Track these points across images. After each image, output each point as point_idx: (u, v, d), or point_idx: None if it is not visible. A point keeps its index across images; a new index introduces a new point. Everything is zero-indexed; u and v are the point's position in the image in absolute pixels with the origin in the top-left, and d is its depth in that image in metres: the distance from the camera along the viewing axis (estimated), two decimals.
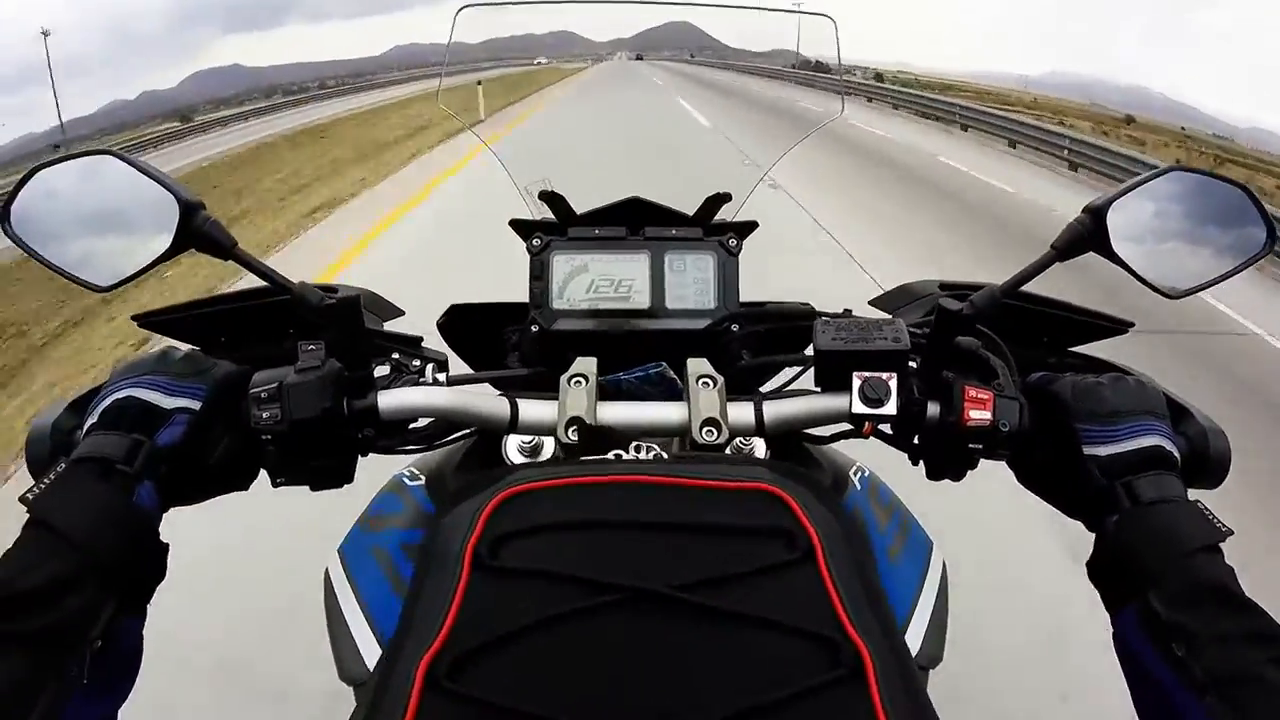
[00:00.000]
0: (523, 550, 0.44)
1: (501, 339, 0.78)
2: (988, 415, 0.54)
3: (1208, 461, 0.56)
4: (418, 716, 0.36)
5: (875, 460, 0.75)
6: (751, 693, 0.37)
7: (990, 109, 16.36)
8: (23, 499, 0.45)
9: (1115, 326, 0.72)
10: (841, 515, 0.49)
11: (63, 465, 0.47)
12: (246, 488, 0.58)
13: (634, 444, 0.55)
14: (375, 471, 0.69)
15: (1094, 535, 0.53)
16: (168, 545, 0.50)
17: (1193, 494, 0.52)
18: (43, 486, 0.46)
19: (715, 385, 0.57)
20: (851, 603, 0.41)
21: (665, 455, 0.55)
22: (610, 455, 0.54)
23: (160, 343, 0.62)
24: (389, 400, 0.57)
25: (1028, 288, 0.60)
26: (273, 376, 0.54)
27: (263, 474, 0.57)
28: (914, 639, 0.62)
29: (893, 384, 0.56)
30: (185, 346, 0.61)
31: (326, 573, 0.66)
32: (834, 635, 0.39)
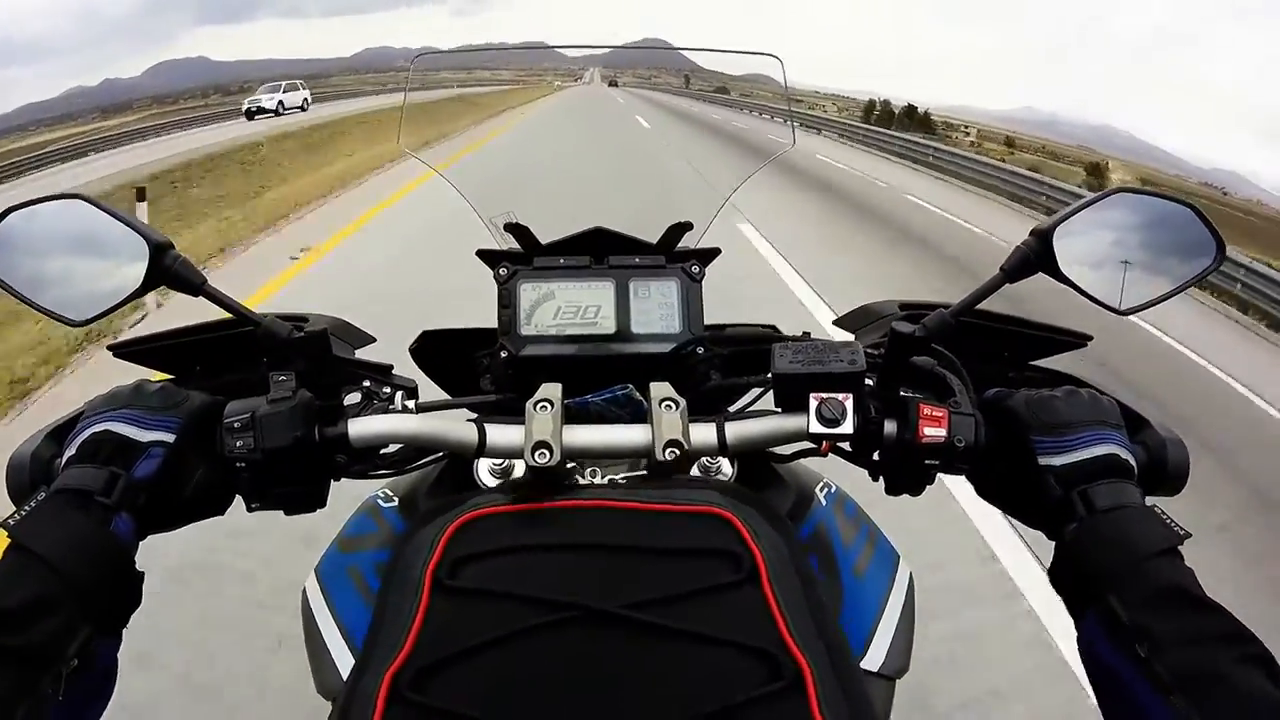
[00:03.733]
0: (480, 572, 0.47)
1: (473, 363, 0.80)
2: (942, 432, 0.55)
3: (1166, 470, 0.58)
4: None
5: (846, 472, 0.76)
6: (695, 705, 0.39)
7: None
8: (3, 524, 0.47)
9: (1074, 341, 0.74)
10: (791, 535, 0.51)
11: (43, 494, 0.49)
12: (222, 513, 0.59)
13: (590, 469, 0.57)
14: (352, 492, 0.69)
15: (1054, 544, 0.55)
16: (143, 573, 0.51)
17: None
18: (23, 514, 0.47)
19: (677, 407, 0.58)
20: (794, 619, 0.43)
21: (623, 480, 0.57)
22: (576, 479, 0.56)
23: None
24: (359, 428, 0.59)
25: (985, 306, 0.62)
26: (245, 407, 0.55)
27: (237, 499, 0.58)
28: (879, 650, 0.64)
29: (849, 404, 0.57)
30: (159, 376, 0.62)
31: (304, 592, 0.68)
32: (773, 650, 0.42)
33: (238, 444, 0.54)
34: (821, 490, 0.75)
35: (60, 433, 0.56)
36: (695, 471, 0.70)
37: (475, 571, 0.47)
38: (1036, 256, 0.58)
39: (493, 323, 0.76)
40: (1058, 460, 0.54)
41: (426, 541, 0.48)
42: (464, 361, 0.81)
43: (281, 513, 0.58)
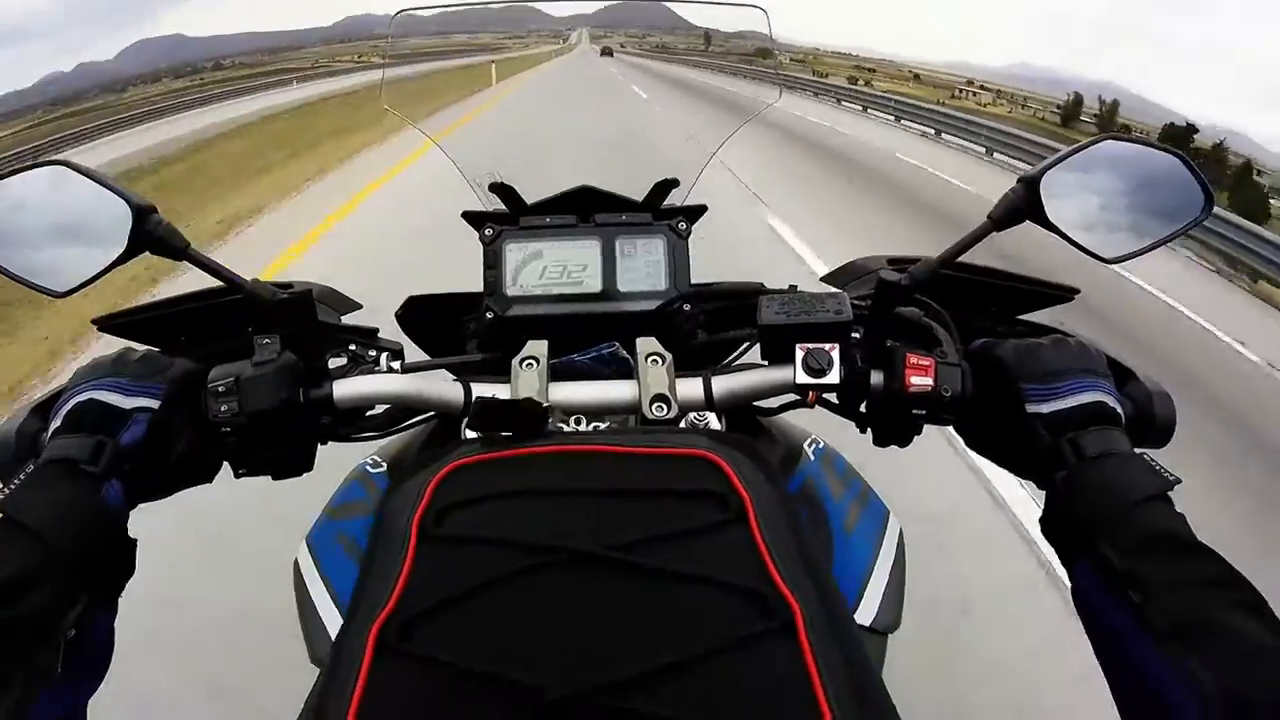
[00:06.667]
0: (467, 519, 0.46)
1: (460, 329, 0.80)
2: (929, 381, 0.55)
3: (1153, 422, 0.58)
4: (370, 677, 0.38)
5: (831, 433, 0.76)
6: (685, 645, 0.38)
7: None
8: None
9: (1060, 294, 0.74)
10: (779, 481, 0.50)
11: (31, 467, 0.49)
12: (211, 480, 0.59)
13: (575, 419, 0.56)
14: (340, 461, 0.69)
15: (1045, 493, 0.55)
16: (136, 541, 0.51)
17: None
18: (12, 487, 0.47)
19: (664, 362, 0.58)
20: (783, 560, 0.43)
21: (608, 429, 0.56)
22: (560, 428, 0.56)
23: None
24: (344, 389, 0.59)
25: (973, 258, 0.61)
26: (229, 371, 0.55)
27: (226, 467, 0.58)
28: (870, 605, 0.64)
29: (835, 354, 0.57)
30: (144, 348, 0.62)
31: (296, 562, 0.68)
32: (763, 589, 0.41)
33: (222, 408, 0.54)
34: (810, 446, 0.75)
35: (44, 408, 0.56)
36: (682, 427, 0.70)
37: (462, 519, 0.46)
38: (1025, 204, 0.58)
39: (479, 288, 0.75)
40: (1046, 407, 0.54)
41: (412, 493, 0.48)
42: (451, 327, 0.80)
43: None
